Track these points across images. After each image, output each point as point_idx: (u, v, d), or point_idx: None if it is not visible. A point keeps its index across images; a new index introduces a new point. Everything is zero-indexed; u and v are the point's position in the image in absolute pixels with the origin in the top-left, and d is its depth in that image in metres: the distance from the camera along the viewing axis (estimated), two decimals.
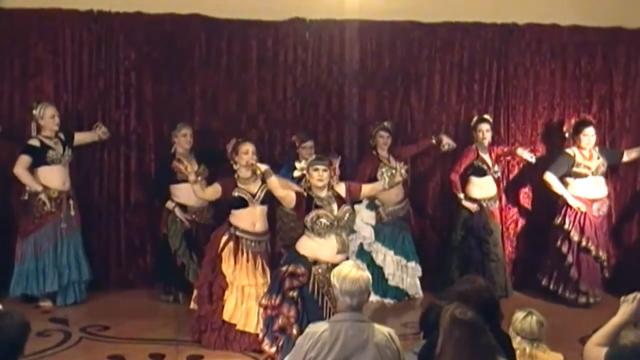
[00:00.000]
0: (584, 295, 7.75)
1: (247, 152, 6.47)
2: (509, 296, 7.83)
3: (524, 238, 8.42)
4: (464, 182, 7.92)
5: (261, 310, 6.07)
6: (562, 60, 8.31)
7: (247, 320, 6.35)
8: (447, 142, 7.88)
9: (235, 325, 6.35)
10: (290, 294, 5.80)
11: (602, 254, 7.81)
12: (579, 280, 7.74)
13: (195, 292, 6.62)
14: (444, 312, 3.67)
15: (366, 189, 6.28)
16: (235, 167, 6.51)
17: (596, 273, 7.84)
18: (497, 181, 8.10)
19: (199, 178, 6.52)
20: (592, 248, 7.74)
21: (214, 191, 6.51)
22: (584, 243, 7.71)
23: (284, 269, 5.86)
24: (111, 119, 7.81)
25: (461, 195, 7.85)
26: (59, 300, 7.37)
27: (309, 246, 5.85)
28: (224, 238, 6.44)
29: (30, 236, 7.23)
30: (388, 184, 6.15)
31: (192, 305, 6.66)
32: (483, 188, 7.94)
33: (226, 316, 6.36)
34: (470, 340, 3.53)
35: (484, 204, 7.89)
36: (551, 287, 7.85)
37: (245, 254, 6.43)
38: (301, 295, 5.79)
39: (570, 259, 7.73)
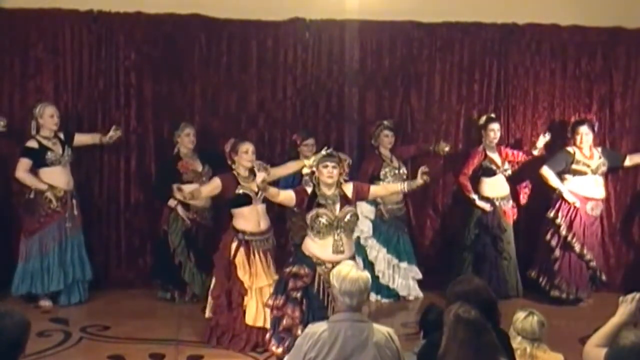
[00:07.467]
0: (557, 289, 7.76)
1: (246, 151, 6.48)
2: (520, 296, 7.86)
3: (522, 235, 8.35)
4: (476, 183, 7.92)
5: (268, 310, 6.06)
6: (562, 60, 8.31)
7: (267, 318, 6.30)
8: (444, 148, 7.90)
9: (260, 327, 6.30)
10: (294, 294, 5.77)
11: (587, 254, 7.78)
12: (557, 274, 7.76)
13: (211, 301, 6.50)
14: (447, 311, 3.67)
15: (376, 189, 6.23)
16: (234, 166, 6.51)
17: (579, 271, 7.82)
18: (509, 179, 8.06)
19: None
20: (577, 245, 7.74)
21: (213, 186, 6.50)
22: (569, 238, 7.72)
23: (287, 270, 5.85)
24: (111, 119, 7.81)
25: (474, 196, 7.84)
26: (62, 300, 7.37)
27: (311, 246, 5.85)
28: (234, 245, 6.40)
29: (36, 235, 7.23)
30: (408, 187, 6.17)
31: (208, 314, 6.54)
32: (495, 187, 7.93)
33: (250, 321, 6.33)
34: (475, 339, 3.53)
35: (497, 203, 7.89)
36: (539, 279, 7.86)
37: (257, 256, 6.42)
38: (306, 295, 5.77)
39: (557, 253, 7.76)
